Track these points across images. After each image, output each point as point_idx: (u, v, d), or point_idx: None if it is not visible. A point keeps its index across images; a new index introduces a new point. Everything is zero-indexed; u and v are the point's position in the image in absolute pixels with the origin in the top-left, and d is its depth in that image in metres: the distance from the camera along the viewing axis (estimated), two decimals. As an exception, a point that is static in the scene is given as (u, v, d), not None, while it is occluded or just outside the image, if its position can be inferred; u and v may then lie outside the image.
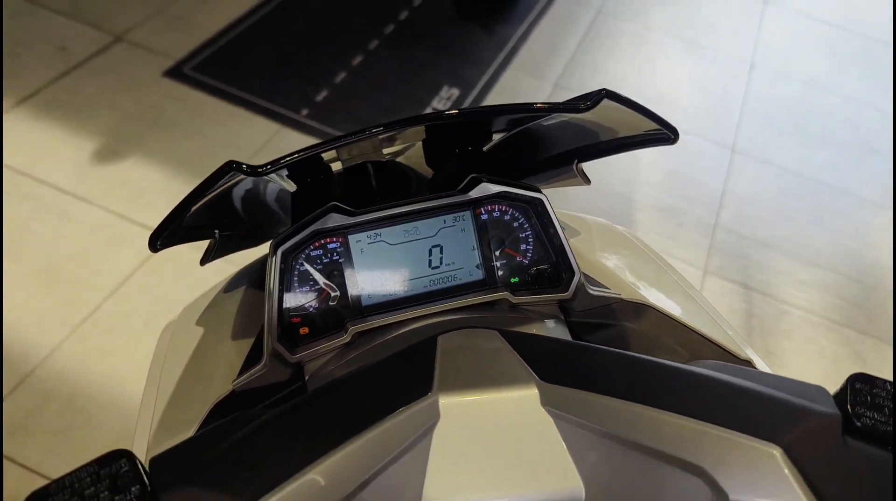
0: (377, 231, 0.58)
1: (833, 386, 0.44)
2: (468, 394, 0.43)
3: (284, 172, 0.61)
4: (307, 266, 0.57)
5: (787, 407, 0.41)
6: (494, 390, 0.44)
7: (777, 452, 0.39)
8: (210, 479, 0.37)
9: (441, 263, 0.60)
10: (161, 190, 2.00)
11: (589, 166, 0.65)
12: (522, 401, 0.43)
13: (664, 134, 0.56)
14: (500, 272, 0.60)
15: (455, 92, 2.55)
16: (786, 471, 0.38)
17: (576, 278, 0.60)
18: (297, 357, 0.55)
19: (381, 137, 0.57)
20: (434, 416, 0.42)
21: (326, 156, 0.64)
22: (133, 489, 0.35)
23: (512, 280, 0.61)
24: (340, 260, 0.57)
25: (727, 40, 3.25)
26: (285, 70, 2.48)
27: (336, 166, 0.67)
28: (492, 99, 2.60)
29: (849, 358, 2.08)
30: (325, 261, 0.57)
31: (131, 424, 1.49)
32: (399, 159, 0.72)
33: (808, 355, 2.06)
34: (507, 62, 2.79)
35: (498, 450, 0.41)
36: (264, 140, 2.20)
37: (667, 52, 3.11)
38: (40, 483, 1.21)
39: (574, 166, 0.63)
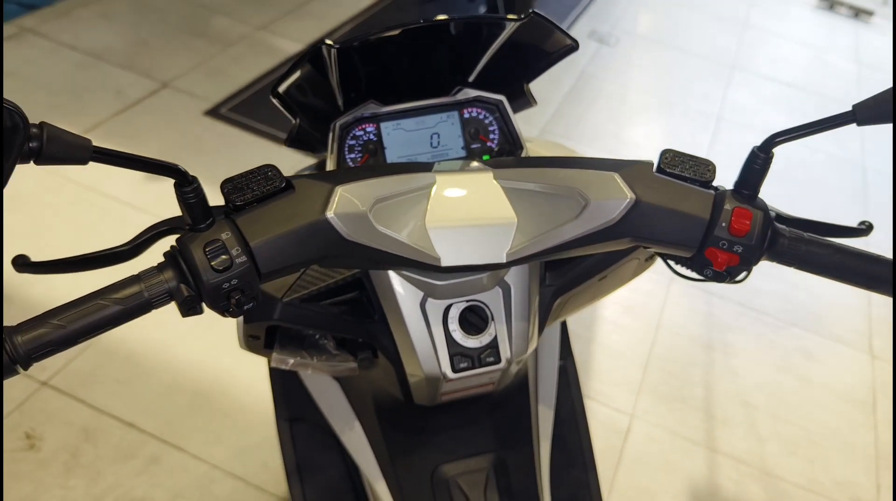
0: (398, 121, 0.92)
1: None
2: (454, 174, 0.76)
3: (339, 90, 0.93)
4: (354, 141, 0.91)
5: (624, 161, 0.74)
6: (469, 173, 0.76)
7: (616, 175, 0.71)
8: (319, 177, 0.69)
9: (439, 144, 0.93)
10: (203, 203, 2.36)
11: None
12: (484, 177, 0.75)
13: (572, 45, 0.90)
14: (476, 152, 0.94)
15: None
16: (619, 183, 0.70)
17: (524, 153, 0.93)
18: None
19: (412, 26, 0.87)
20: (433, 180, 0.74)
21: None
22: (278, 180, 0.66)
23: (484, 157, 0.94)
24: (375, 139, 0.91)
25: (697, 98, 3.67)
26: (307, 113, 2.87)
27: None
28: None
29: (796, 351, 2.38)
30: (365, 139, 0.91)
31: (179, 379, 1.83)
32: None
33: (761, 346, 2.36)
34: (500, 111, 3.19)
35: (470, 200, 0.73)
36: (290, 166, 2.56)
37: (642, 107, 3.53)
38: (106, 420, 1.55)
39: (524, 87, 0.97)
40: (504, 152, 0.94)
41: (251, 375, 1.89)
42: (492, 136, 0.95)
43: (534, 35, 0.89)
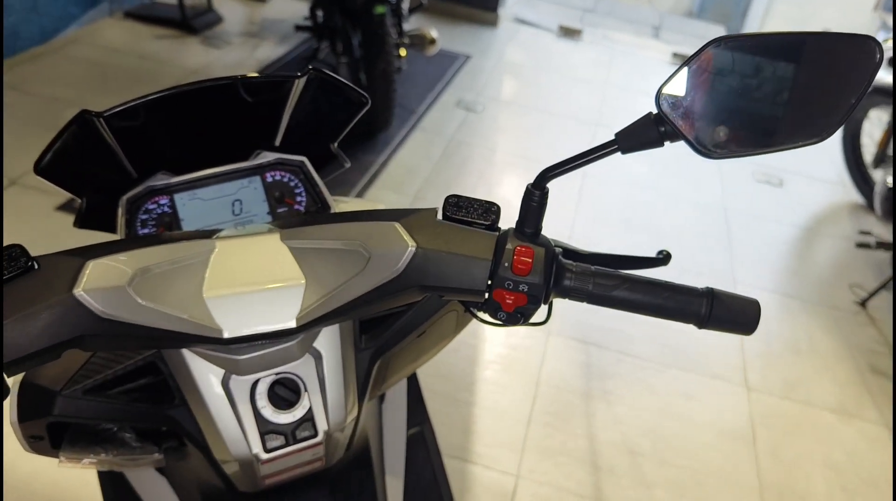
0: (194, 191, 0.87)
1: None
2: (237, 238, 0.72)
3: (126, 160, 0.89)
4: (147, 215, 0.85)
5: (408, 210, 0.72)
6: (254, 236, 0.73)
7: (396, 225, 0.69)
8: (70, 252, 0.63)
9: (241, 212, 0.89)
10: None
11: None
12: (270, 239, 0.72)
13: (363, 100, 0.89)
14: (282, 216, 0.90)
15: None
16: (400, 232, 0.68)
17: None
18: None
19: (185, 89, 0.82)
20: (213, 246, 0.70)
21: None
22: (22, 260, 0.59)
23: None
24: (170, 211, 0.86)
25: (563, 156, 3.78)
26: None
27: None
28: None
29: (676, 393, 2.41)
30: (159, 213, 0.86)
31: (20, 495, 1.65)
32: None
33: (642, 391, 2.39)
34: (371, 183, 3.19)
35: (255, 265, 0.69)
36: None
37: (511, 167, 3.61)
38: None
39: (332, 147, 0.95)
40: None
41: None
42: (298, 198, 0.91)
43: (325, 93, 0.88)
